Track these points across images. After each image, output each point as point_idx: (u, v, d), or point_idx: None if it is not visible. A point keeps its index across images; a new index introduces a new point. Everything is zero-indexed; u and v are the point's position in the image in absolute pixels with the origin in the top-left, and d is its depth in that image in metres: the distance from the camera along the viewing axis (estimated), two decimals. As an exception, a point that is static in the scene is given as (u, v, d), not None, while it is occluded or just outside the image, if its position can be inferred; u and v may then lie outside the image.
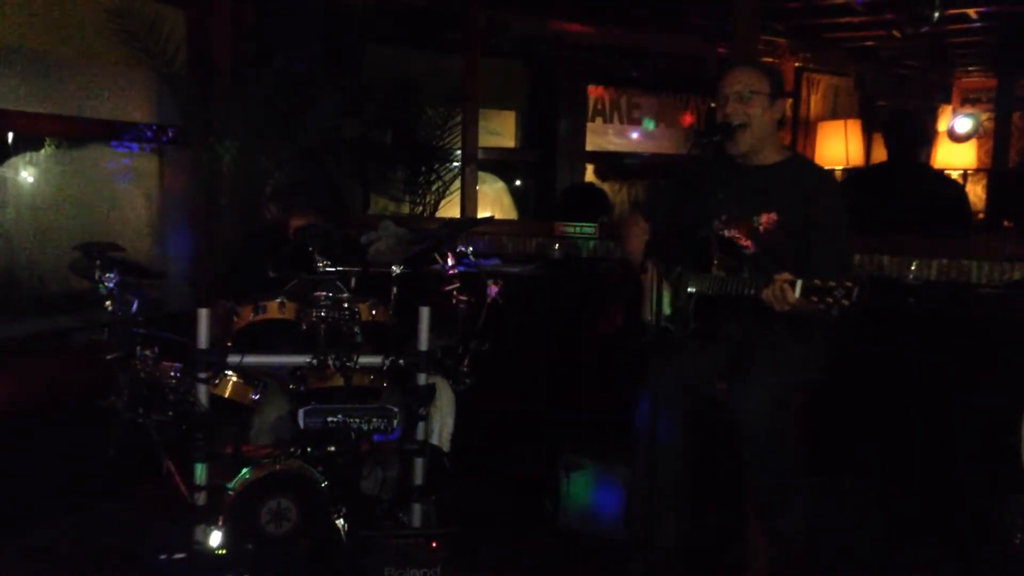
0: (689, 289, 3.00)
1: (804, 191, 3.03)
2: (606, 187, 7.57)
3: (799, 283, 2.57)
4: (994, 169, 7.39)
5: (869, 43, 7.86)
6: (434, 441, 3.28)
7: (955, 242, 3.68)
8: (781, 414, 2.89)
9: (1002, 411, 2.89)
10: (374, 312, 3.12)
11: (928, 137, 4.53)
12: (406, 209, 6.27)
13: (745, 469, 2.96)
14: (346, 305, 2.99)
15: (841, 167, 7.24)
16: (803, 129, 7.91)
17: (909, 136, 4.47)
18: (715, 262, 2.95)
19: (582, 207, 5.33)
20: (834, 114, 8.04)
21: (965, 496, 3.16)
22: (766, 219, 3.04)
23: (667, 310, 3.04)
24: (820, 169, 3.51)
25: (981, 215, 7.59)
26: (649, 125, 7.94)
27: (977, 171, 7.93)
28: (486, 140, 6.44)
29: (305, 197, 3.68)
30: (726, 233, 3.09)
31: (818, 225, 2.96)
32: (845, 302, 2.45)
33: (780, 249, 2.99)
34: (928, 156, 4.65)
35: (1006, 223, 6.44)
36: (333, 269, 3.12)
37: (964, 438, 3.24)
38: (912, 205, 4.17)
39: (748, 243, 3.06)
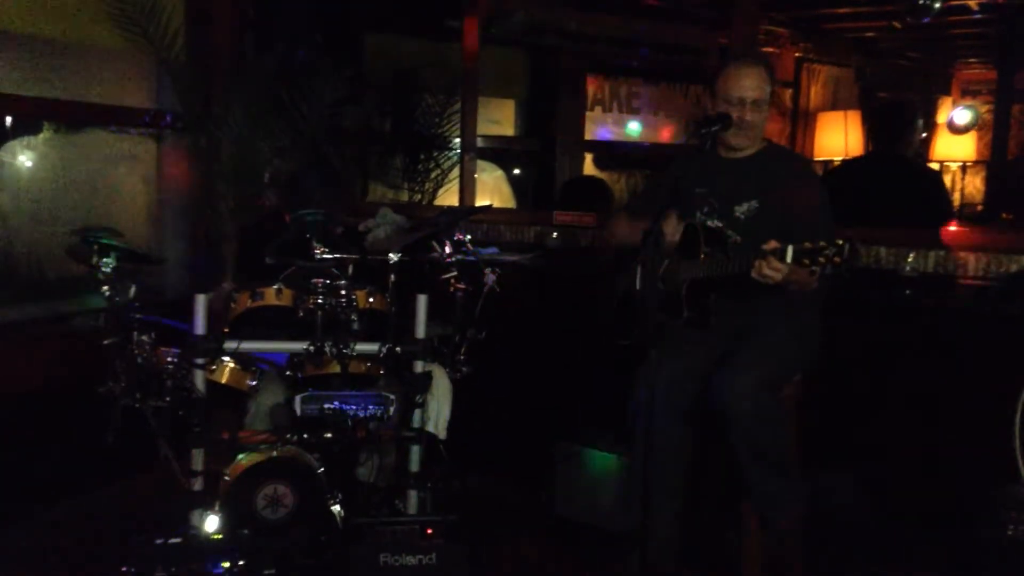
0: (681, 276, 3.02)
1: (782, 177, 3.07)
2: (604, 176, 7.57)
3: (790, 248, 2.56)
4: (993, 161, 7.39)
5: (870, 34, 7.85)
6: (430, 429, 3.28)
7: (953, 233, 3.68)
8: (767, 399, 2.89)
9: (996, 403, 2.90)
10: (371, 299, 3.13)
11: (908, 129, 4.50)
12: (404, 197, 6.27)
13: (739, 460, 2.96)
14: (343, 292, 2.99)
15: (840, 158, 7.24)
16: (803, 120, 7.90)
17: (890, 128, 4.47)
18: (703, 250, 2.97)
19: (582, 199, 5.32)
20: (834, 105, 8.03)
21: (959, 487, 3.17)
22: (747, 207, 3.09)
23: (661, 301, 3.06)
24: (795, 155, 3.60)
25: (980, 207, 7.60)
26: (634, 132, 7.93)
27: (976, 163, 7.93)
28: (485, 128, 6.43)
29: (309, 193, 3.65)
30: (710, 224, 3.11)
31: (802, 209, 2.98)
32: (837, 260, 2.45)
33: (762, 235, 2.98)
34: (912, 147, 4.62)
35: (1004, 215, 6.44)
36: (330, 256, 3.12)
37: (958, 430, 3.25)
38: (888, 196, 4.18)
39: (731, 232, 3.09)
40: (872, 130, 4.60)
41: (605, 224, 3.69)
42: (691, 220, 3.12)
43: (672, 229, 3.09)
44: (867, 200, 4.10)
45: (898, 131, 4.45)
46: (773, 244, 2.62)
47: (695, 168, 3.17)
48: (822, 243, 2.48)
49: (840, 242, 2.46)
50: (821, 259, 2.48)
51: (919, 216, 4.06)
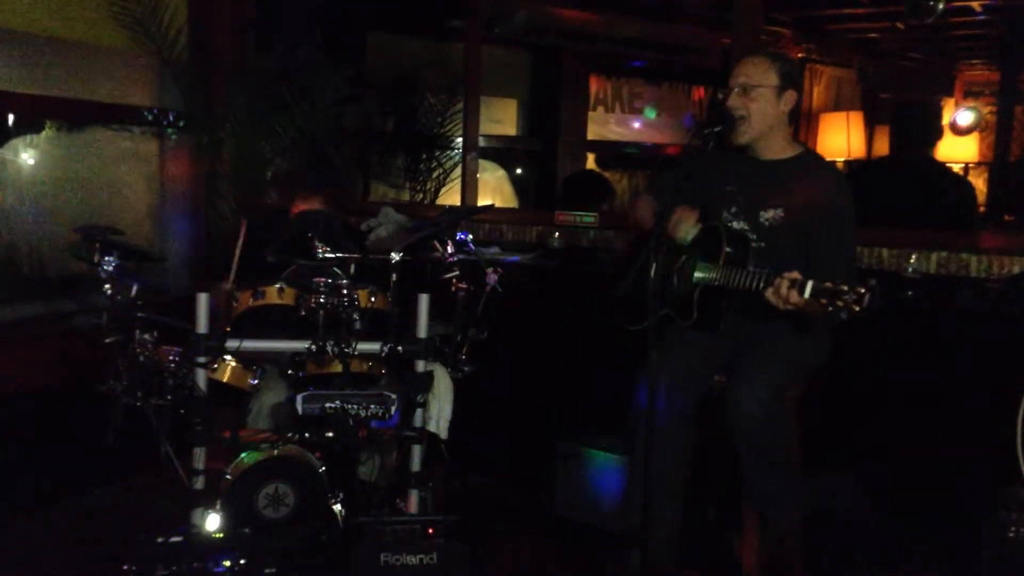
0: (695, 278, 2.99)
1: (813, 192, 2.99)
2: (607, 176, 7.57)
3: (810, 284, 2.52)
4: (996, 162, 7.39)
5: (872, 35, 7.86)
6: (432, 428, 3.28)
7: (955, 235, 3.68)
8: (778, 407, 2.89)
9: (997, 403, 2.90)
10: (373, 299, 3.12)
11: (934, 130, 4.51)
12: (406, 196, 6.27)
13: (741, 461, 2.96)
14: (345, 291, 2.99)
15: (843, 159, 7.24)
16: (805, 120, 7.90)
17: (909, 129, 4.46)
18: (725, 254, 2.93)
19: (584, 195, 5.31)
20: (837, 106, 8.02)
21: (960, 487, 3.17)
22: (772, 215, 3.03)
23: (671, 298, 3.04)
24: (833, 170, 3.44)
25: (982, 208, 7.60)
26: (650, 114, 7.91)
27: (979, 164, 7.93)
28: (487, 128, 6.44)
29: (305, 182, 3.65)
30: (735, 225, 3.09)
31: (825, 230, 2.94)
32: (856, 308, 2.40)
33: (783, 245, 2.97)
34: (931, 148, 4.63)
35: (1007, 217, 6.44)
36: (332, 255, 3.12)
37: (959, 430, 3.24)
38: (920, 200, 4.16)
39: (754, 237, 3.05)
40: (898, 132, 4.57)
41: (627, 208, 3.64)
42: (715, 222, 3.08)
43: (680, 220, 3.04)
44: (894, 202, 4.08)
45: (925, 133, 4.44)
46: (795, 275, 2.59)
47: (723, 164, 3.13)
48: (844, 286, 2.43)
49: (862, 290, 2.40)
50: (839, 302, 2.43)
51: (944, 220, 4.04)
